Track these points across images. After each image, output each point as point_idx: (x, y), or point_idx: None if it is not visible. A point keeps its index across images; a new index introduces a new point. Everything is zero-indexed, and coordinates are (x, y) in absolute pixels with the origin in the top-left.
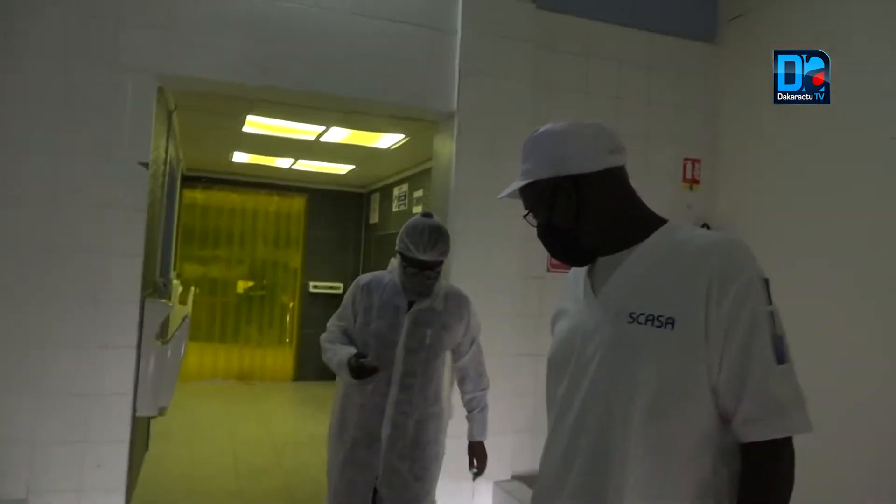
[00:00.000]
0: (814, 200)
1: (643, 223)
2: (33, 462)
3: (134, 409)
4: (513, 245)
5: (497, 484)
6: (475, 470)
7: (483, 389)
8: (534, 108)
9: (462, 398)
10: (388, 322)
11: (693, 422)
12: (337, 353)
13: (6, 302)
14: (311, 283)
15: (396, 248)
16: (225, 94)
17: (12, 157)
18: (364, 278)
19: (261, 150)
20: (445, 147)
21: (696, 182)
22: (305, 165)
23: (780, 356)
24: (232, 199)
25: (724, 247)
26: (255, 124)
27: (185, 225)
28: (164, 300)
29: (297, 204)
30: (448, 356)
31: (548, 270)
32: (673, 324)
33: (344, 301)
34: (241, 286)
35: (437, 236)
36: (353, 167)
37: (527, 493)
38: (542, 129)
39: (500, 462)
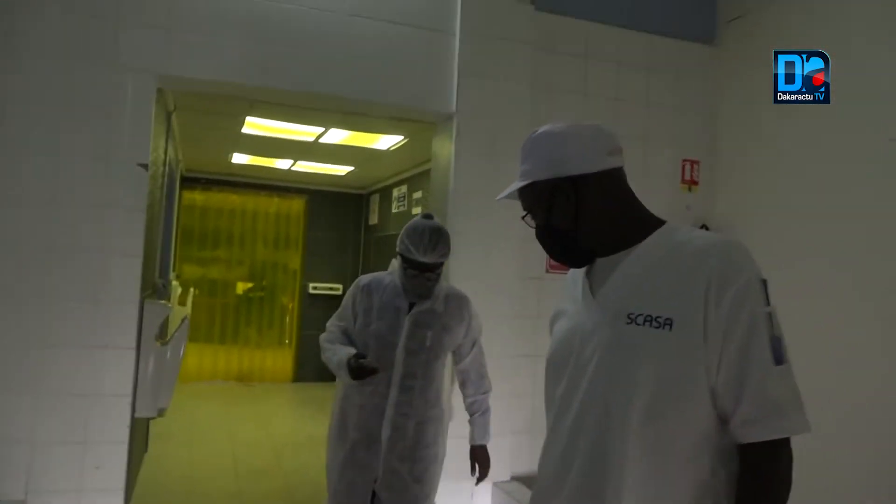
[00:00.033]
0: (812, 201)
1: (641, 224)
2: (32, 462)
3: (133, 410)
4: (512, 246)
5: (496, 485)
6: (477, 475)
7: (484, 393)
8: (533, 109)
9: (464, 402)
10: (388, 323)
11: (691, 423)
12: (336, 353)
13: (6, 302)
14: (311, 285)
15: (397, 249)
16: (224, 94)
17: (12, 157)
18: (364, 279)
19: (260, 151)
20: (444, 148)
21: (695, 183)
22: (305, 167)
23: (779, 357)
24: (231, 200)
25: (723, 248)
26: (255, 125)
27: (185, 226)
28: (163, 301)
29: (297, 205)
30: (449, 358)
31: (546, 272)
32: (671, 325)
33: (344, 301)
34: (241, 287)
35: (437, 238)
36: (352, 168)
37: (526, 493)
38: (541, 130)
39: (499, 463)
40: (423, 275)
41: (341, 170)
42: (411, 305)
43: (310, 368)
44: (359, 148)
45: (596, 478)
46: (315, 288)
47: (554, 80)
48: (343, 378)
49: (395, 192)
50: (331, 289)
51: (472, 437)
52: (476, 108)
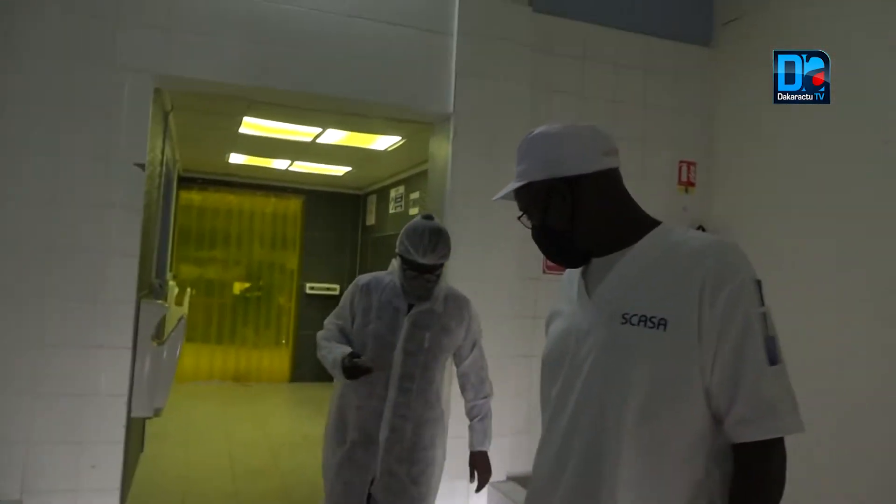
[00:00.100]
0: (809, 203)
1: (637, 225)
2: (28, 462)
3: (129, 410)
4: (509, 247)
5: (492, 485)
6: (475, 482)
7: (485, 397)
8: (530, 110)
9: (464, 406)
10: (386, 324)
11: (686, 423)
12: (332, 351)
13: (2, 302)
14: (308, 285)
15: (396, 250)
16: (222, 94)
17: (9, 156)
18: (364, 278)
19: (257, 151)
20: (442, 149)
21: (692, 185)
22: (302, 167)
23: (773, 357)
24: (228, 200)
25: (718, 249)
26: (252, 125)
27: (182, 226)
28: (159, 301)
29: (294, 205)
30: (450, 360)
31: (543, 272)
32: (665, 325)
33: (342, 300)
34: (238, 287)
35: (437, 239)
36: (349, 169)
37: (522, 493)
38: (537, 130)
39: (496, 463)
40: (423, 276)
41: (339, 170)
42: (410, 306)
43: (307, 368)
44: (356, 148)
45: (591, 478)
46: (312, 288)
47: (552, 82)
48: (337, 377)
49: (393, 193)
50: (328, 289)
51: (470, 443)
52: (473, 109)
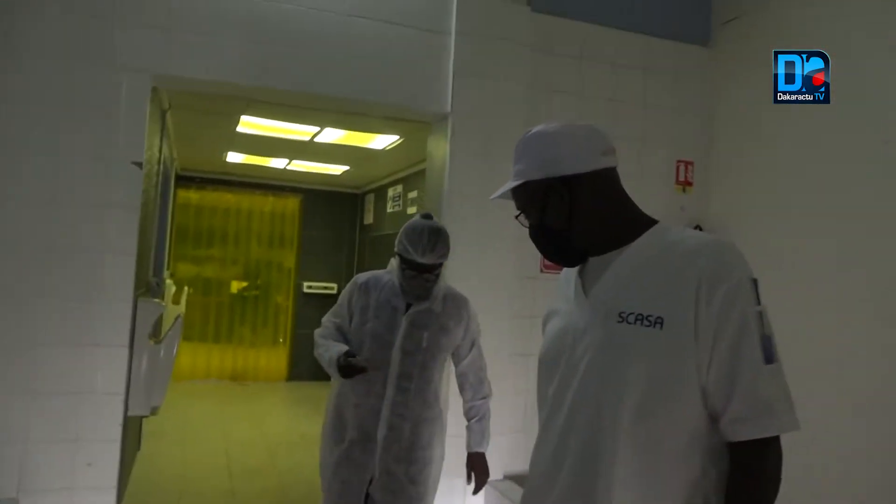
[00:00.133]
0: (808, 202)
1: (634, 224)
2: (24, 461)
3: (126, 408)
4: (506, 246)
5: (490, 483)
6: (472, 483)
7: (483, 398)
8: (529, 110)
9: (463, 406)
10: (384, 323)
11: (682, 422)
12: (328, 349)
13: None
14: (306, 284)
15: (395, 249)
16: (220, 94)
17: (7, 155)
18: (362, 277)
19: (255, 150)
20: (439, 148)
21: (689, 184)
22: (300, 166)
23: (769, 356)
24: (226, 199)
25: (714, 248)
26: (250, 124)
27: (179, 224)
28: (156, 299)
29: (292, 204)
30: (449, 359)
31: (541, 271)
32: (662, 323)
33: (340, 298)
34: (235, 286)
35: (436, 238)
36: (347, 168)
37: (519, 492)
38: (534, 130)
39: (493, 462)
40: (422, 276)
41: (336, 169)
42: (409, 305)
43: (304, 367)
44: (354, 147)
45: (587, 477)
46: (310, 287)
47: (550, 81)
48: (333, 375)
49: (391, 192)
50: (325, 288)
51: (468, 444)
52: (471, 109)
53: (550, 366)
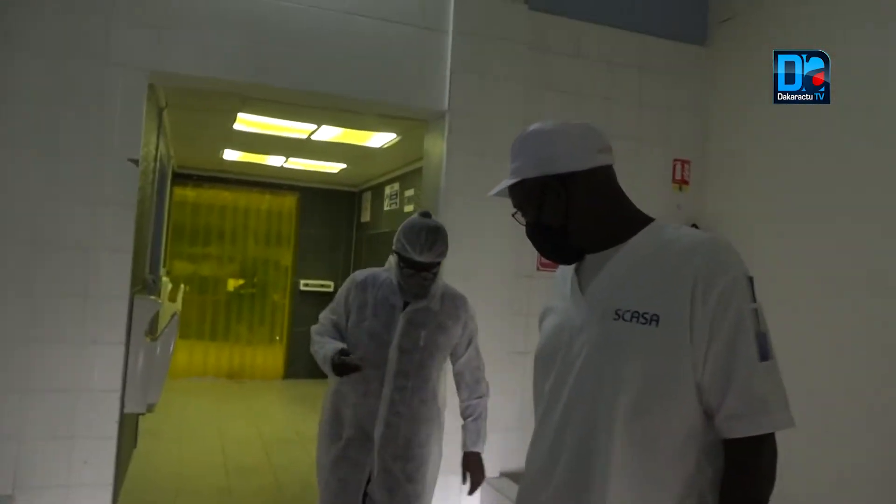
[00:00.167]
0: (803, 201)
1: (630, 222)
2: (20, 458)
3: (122, 406)
4: (503, 244)
5: (486, 481)
6: (467, 484)
7: (479, 397)
8: (525, 108)
9: (459, 405)
10: (382, 321)
11: (677, 419)
12: (324, 346)
13: None
14: (302, 282)
15: (393, 247)
16: (217, 91)
17: (3, 152)
18: (360, 274)
19: (252, 147)
20: (436, 146)
21: (686, 183)
22: (297, 164)
23: (764, 353)
24: (223, 196)
25: (710, 246)
26: (246, 122)
27: (176, 222)
28: (153, 297)
29: (289, 202)
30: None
31: (537, 269)
32: (658, 321)
33: (337, 296)
34: (232, 284)
35: (434, 237)
36: (344, 166)
37: (515, 489)
38: (531, 128)
39: (489, 459)
40: (420, 274)
41: (334, 167)
42: (406, 303)
43: (301, 365)
44: (351, 145)
45: (582, 473)
46: (307, 285)
47: (547, 79)
48: (327, 372)
49: (388, 190)
50: (322, 286)
51: (463, 443)
52: (468, 107)
53: (547, 362)
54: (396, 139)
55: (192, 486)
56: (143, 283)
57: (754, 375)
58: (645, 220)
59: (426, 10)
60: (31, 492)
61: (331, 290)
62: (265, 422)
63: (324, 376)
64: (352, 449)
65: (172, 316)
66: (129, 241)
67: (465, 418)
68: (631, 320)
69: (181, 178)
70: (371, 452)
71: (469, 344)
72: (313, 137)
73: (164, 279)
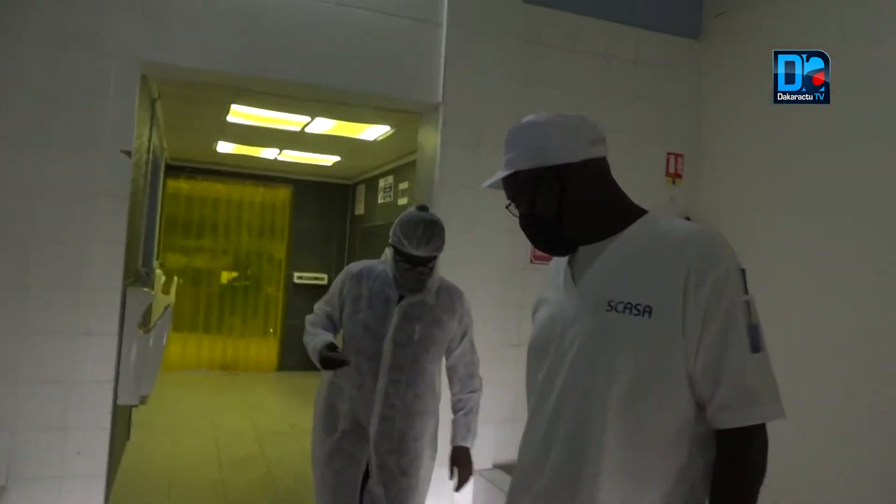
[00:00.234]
0: (796, 195)
1: (624, 214)
2: (13, 449)
3: (115, 397)
4: (496, 237)
5: (478, 472)
6: (455, 479)
7: (471, 392)
8: (519, 101)
9: (451, 399)
10: (377, 314)
11: (669, 410)
12: (314, 338)
13: None
14: (296, 274)
15: (389, 241)
16: (210, 83)
17: None
18: (355, 267)
19: (246, 140)
20: (430, 139)
21: (679, 176)
22: (291, 156)
23: (756, 345)
24: (217, 189)
25: (703, 238)
26: (240, 114)
27: (169, 215)
28: (146, 289)
29: (283, 195)
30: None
31: (531, 262)
32: (650, 312)
33: (332, 287)
34: (226, 276)
35: (431, 231)
36: (338, 159)
37: (508, 481)
38: (525, 120)
39: (482, 451)
40: (416, 269)
41: (327, 160)
42: (402, 296)
43: (294, 358)
44: (345, 138)
45: (575, 464)
46: (300, 278)
47: (541, 72)
48: (316, 364)
49: (382, 183)
50: (316, 278)
51: (452, 438)
52: (462, 99)
53: (540, 353)
54: (390, 132)
55: (185, 478)
56: (137, 276)
57: (745, 367)
58: (638, 213)
59: (421, 3)
60: (23, 483)
61: (324, 282)
62: (259, 414)
63: (317, 369)
64: (347, 442)
65: (166, 308)
66: (122, 233)
67: (455, 412)
68: (624, 312)
69: (174, 170)
70: (366, 446)
71: (463, 337)
72: (307, 130)
73: (158, 271)
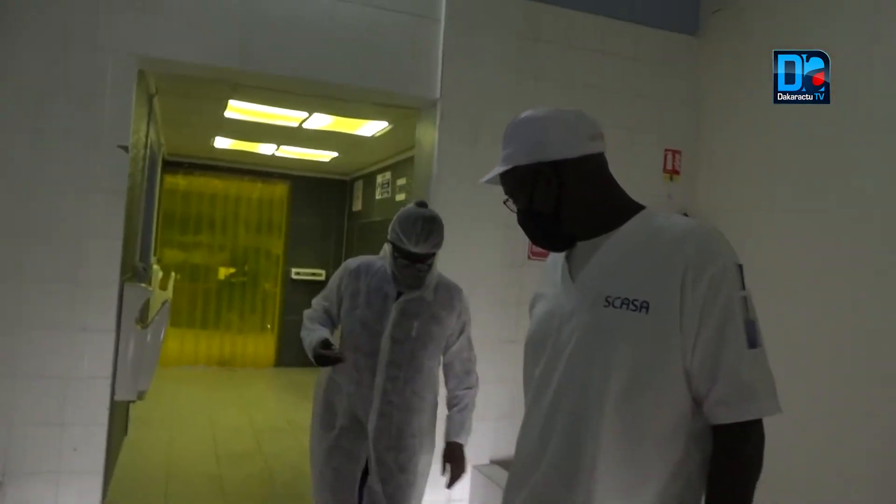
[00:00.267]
0: (793, 192)
1: (621, 209)
2: (10, 444)
3: (113, 393)
4: (494, 233)
5: (475, 468)
6: (447, 475)
7: (467, 388)
8: (517, 96)
9: (446, 395)
10: (374, 310)
11: (666, 405)
12: (310, 333)
13: None
14: (294, 270)
15: (388, 237)
16: (207, 78)
17: None
18: (353, 262)
19: (243, 135)
20: (428, 134)
21: (677, 173)
22: (288, 152)
23: (753, 340)
24: (214, 184)
25: (700, 234)
26: (237, 109)
27: (167, 210)
28: (143, 284)
29: (280, 190)
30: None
31: (529, 258)
32: (647, 308)
33: (330, 282)
34: (223, 272)
35: (430, 227)
36: (336, 154)
37: (505, 476)
38: (523, 115)
39: (479, 447)
40: (415, 265)
41: (325, 155)
42: (400, 293)
43: (292, 353)
44: (343, 134)
45: (572, 459)
46: (298, 273)
47: (538, 68)
48: (312, 360)
49: (380, 179)
50: (313, 274)
51: (446, 433)
52: (460, 95)
53: (537, 348)
54: (388, 127)
55: (182, 474)
56: (134, 271)
57: (742, 362)
58: (636, 208)
59: None
60: (20, 478)
61: (322, 278)
62: (256, 409)
63: (315, 365)
64: (345, 439)
65: (163, 304)
66: (119, 229)
67: (450, 408)
68: (621, 307)
69: (172, 165)
70: (365, 443)
71: (461, 334)
72: (305, 125)
73: (155, 267)
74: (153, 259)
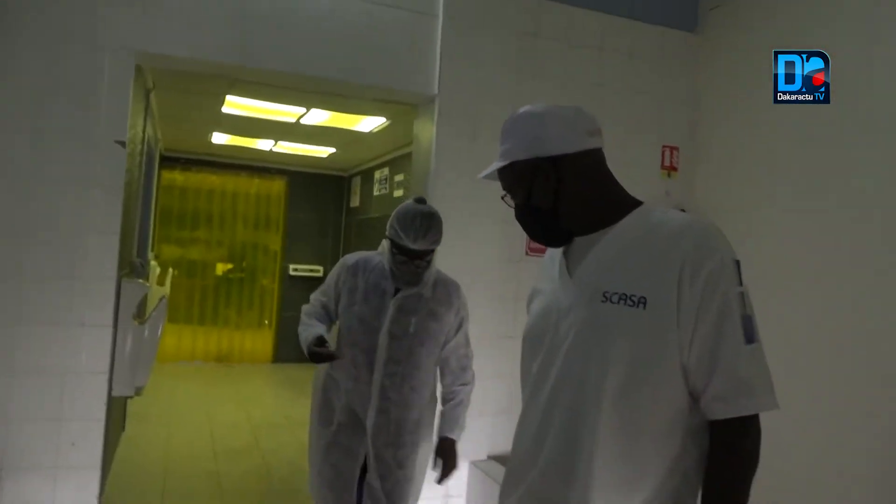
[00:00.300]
0: (791, 189)
1: (619, 205)
2: (7, 439)
3: (110, 388)
4: (492, 229)
5: (473, 463)
6: (438, 470)
7: (463, 384)
8: (515, 93)
9: (441, 391)
10: (372, 306)
11: (664, 400)
12: (307, 329)
13: None
14: (291, 266)
15: (386, 233)
16: (204, 73)
17: None
18: (351, 258)
19: (240, 131)
20: (426, 131)
21: (675, 169)
22: (286, 148)
23: (750, 336)
24: (211, 180)
25: (698, 229)
26: (235, 105)
27: (164, 206)
28: (141, 280)
29: (278, 186)
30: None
31: (526, 254)
32: (645, 303)
33: (328, 278)
34: (221, 268)
35: (429, 224)
36: (333, 150)
37: (502, 472)
38: (522, 110)
39: (477, 442)
40: (413, 262)
41: (323, 151)
42: (398, 289)
43: (289, 349)
44: (341, 130)
45: (569, 454)
46: (295, 269)
47: (537, 65)
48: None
49: (377, 175)
50: (311, 271)
51: (439, 428)
52: (458, 91)
53: (534, 344)
54: (386, 123)
55: (180, 470)
56: (131, 267)
57: (739, 358)
58: (634, 204)
59: None
60: (18, 473)
61: (320, 274)
62: (254, 405)
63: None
64: (343, 435)
65: (160, 300)
66: (117, 224)
67: (444, 404)
68: (618, 303)
69: (169, 161)
70: (364, 439)
71: (458, 330)
72: (302, 121)
73: (153, 263)
74: (151, 255)
